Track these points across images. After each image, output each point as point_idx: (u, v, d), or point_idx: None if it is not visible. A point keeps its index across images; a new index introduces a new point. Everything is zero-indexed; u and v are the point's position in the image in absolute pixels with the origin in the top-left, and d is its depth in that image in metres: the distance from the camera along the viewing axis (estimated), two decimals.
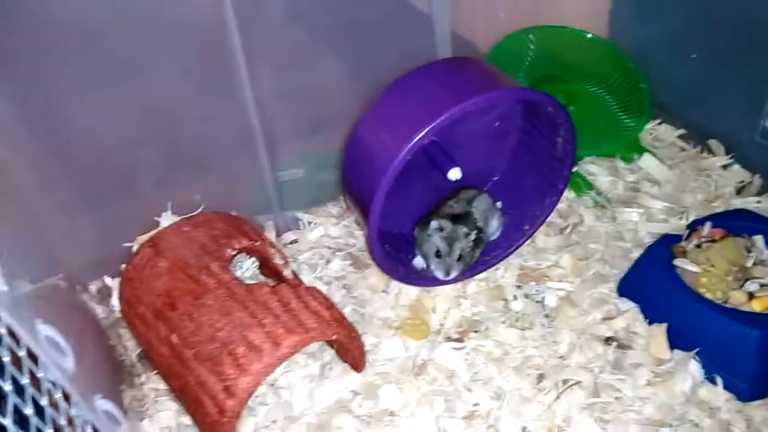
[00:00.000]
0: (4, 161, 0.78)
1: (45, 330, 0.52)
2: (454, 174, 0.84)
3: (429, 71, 0.81)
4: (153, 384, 0.84)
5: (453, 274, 0.88)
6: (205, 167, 0.99)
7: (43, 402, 0.49)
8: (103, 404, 0.58)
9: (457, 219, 0.89)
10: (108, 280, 0.93)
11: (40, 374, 0.50)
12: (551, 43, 1.08)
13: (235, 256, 0.85)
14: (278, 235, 1.04)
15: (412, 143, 0.75)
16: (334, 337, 0.76)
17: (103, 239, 0.93)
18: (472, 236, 0.88)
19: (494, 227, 0.95)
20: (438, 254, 0.88)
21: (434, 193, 0.94)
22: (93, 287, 0.92)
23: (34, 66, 0.80)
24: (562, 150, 0.88)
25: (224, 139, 0.97)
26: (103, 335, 0.87)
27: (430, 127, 0.74)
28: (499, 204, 0.97)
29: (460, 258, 0.88)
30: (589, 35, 1.10)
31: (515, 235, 0.95)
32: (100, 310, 0.90)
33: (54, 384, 0.51)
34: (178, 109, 0.92)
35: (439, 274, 0.88)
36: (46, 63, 0.80)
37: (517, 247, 0.95)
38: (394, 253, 0.91)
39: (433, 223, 0.87)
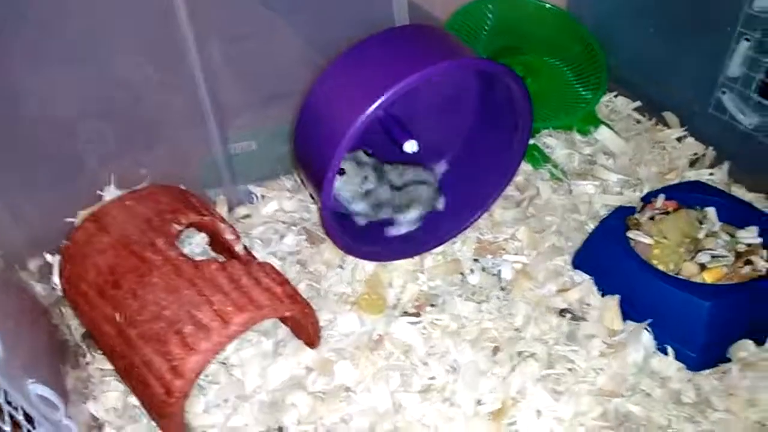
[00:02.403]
0: None
1: None
2: (410, 146, 0.82)
3: (383, 39, 0.79)
4: (99, 364, 0.81)
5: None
6: (151, 140, 0.95)
7: None
8: (37, 388, 0.55)
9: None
10: (48, 257, 0.89)
11: None
12: (510, 14, 1.06)
13: (182, 231, 0.82)
14: (230, 209, 1.01)
15: (364, 115, 0.72)
16: (287, 314, 0.74)
17: (44, 214, 0.89)
18: (368, 183, 0.87)
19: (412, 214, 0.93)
20: (342, 172, 0.85)
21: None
22: (33, 265, 0.88)
23: None
24: (519, 122, 0.87)
25: (171, 112, 0.94)
26: (45, 315, 0.83)
27: (383, 98, 0.71)
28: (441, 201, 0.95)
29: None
30: (548, 5, 1.08)
31: (472, 208, 0.94)
32: (40, 289, 0.86)
33: None
34: (123, 81, 0.88)
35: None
36: None
37: (474, 220, 0.94)
38: (350, 227, 0.89)
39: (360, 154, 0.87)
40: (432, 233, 0.93)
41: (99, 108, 0.88)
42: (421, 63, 0.73)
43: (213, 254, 0.93)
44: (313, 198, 0.98)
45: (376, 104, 0.72)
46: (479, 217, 0.94)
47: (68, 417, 0.60)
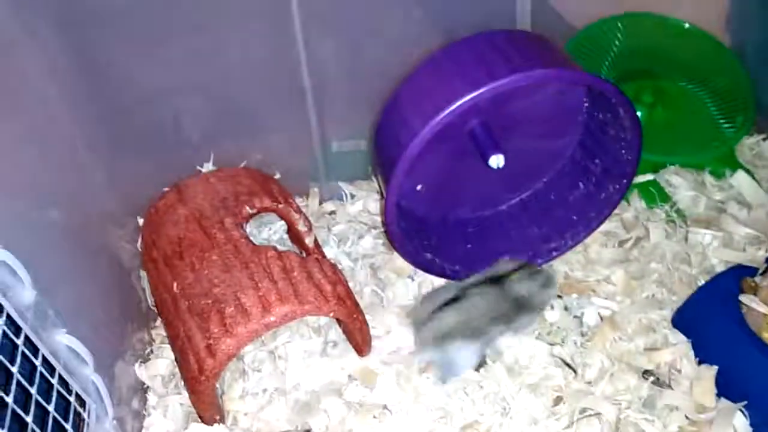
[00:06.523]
0: (51, 97, 0.79)
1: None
2: (496, 161, 0.76)
3: (477, 41, 0.73)
4: (162, 330, 0.83)
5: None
6: (254, 124, 0.97)
7: None
8: (66, 339, 0.57)
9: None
10: (141, 220, 0.93)
11: None
12: (644, 33, 0.95)
13: (253, 214, 0.82)
14: (321, 203, 1.01)
15: (437, 119, 0.68)
16: (331, 314, 0.71)
17: (144, 181, 0.93)
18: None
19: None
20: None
21: (490, 179, 0.85)
22: (128, 228, 0.93)
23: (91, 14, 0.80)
24: (626, 152, 0.78)
25: (275, 98, 0.94)
26: (127, 276, 0.87)
27: (455, 105, 0.67)
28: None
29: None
30: (687, 25, 0.95)
31: (559, 239, 0.85)
32: (128, 251, 0.90)
33: None
34: (230, 62, 0.90)
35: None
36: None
37: (552, 258, 0.86)
38: (421, 238, 0.84)
39: None
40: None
41: (204, 86, 0.90)
42: (510, 69, 0.67)
43: (289, 243, 0.92)
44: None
45: (447, 111, 0.67)
46: (565, 251, 0.86)
47: (96, 373, 0.62)
